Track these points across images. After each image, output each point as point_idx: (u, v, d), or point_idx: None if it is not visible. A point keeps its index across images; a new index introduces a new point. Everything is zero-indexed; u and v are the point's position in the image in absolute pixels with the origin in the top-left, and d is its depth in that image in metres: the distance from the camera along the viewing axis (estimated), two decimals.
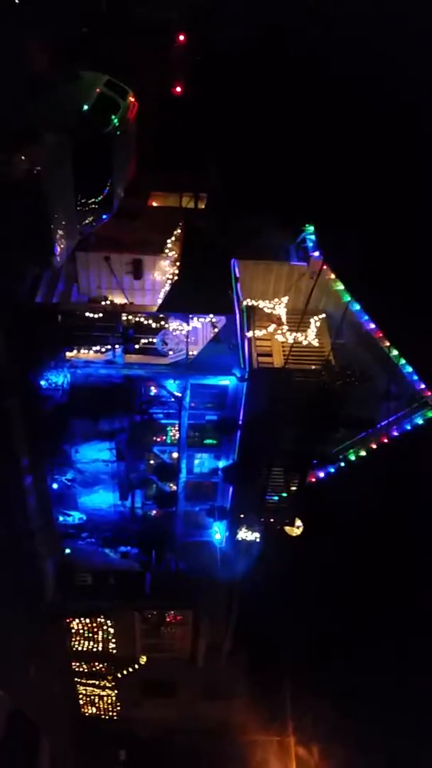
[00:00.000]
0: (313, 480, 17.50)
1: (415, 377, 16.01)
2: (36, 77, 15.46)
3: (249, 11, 20.58)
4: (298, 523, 17.28)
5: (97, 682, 23.69)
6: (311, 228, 16.83)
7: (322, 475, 17.39)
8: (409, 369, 15.97)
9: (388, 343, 15.93)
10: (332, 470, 17.35)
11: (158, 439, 18.48)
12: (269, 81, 20.34)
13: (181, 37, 20.91)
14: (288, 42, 20.54)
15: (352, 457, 17.01)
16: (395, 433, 16.32)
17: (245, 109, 20.17)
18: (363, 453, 16.86)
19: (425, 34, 20.03)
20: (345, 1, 19.80)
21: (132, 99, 15.92)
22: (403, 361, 15.92)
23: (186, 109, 20.13)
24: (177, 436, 17.73)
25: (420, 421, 16.29)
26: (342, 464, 17.01)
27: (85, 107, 14.64)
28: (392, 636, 23.57)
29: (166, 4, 20.97)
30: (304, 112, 20.02)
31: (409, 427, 16.32)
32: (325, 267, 15.97)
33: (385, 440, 16.50)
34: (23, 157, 13.28)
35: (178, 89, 20.57)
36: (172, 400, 16.99)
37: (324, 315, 16.88)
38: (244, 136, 19.66)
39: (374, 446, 16.73)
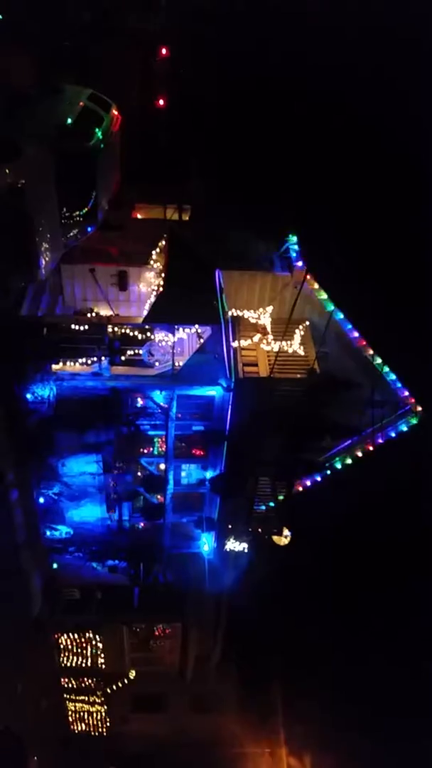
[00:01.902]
0: (300, 489, 17.59)
1: (399, 384, 16.20)
2: (19, 92, 15.55)
3: (233, 22, 20.82)
4: (286, 532, 17.30)
5: (86, 698, 23.46)
6: (294, 238, 17.02)
7: (308, 483, 17.47)
8: (393, 376, 16.15)
9: (372, 351, 16.11)
10: (318, 479, 17.45)
11: (145, 451, 18.44)
12: (252, 92, 20.55)
13: (164, 51, 21.09)
14: (272, 52, 20.78)
15: (338, 465, 17.12)
16: (380, 441, 16.46)
17: (228, 120, 20.35)
18: (349, 461, 16.98)
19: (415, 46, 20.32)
20: (336, 13, 20.03)
21: (115, 112, 16.02)
22: (387, 369, 16.10)
23: (169, 122, 20.29)
24: (164, 447, 17.71)
25: (404, 428, 16.46)
26: (328, 472, 17.11)
27: (69, 121, 14.71)
28: (384, 645, 23.58)
29: (148, 16, 21.13)
30: (287, 121, 20.23)
31: (393, 435, 16.48)
32: (308, 276, 16.14)
33: (371, 448, 16.63)
34: (7, 171, 13.32)
35: (161, 102, 20.72)
36: (159, 411, 16.99)
37: (308, 324, 17.04)
38: (227, 147, 19.81)
39: (359, 454, 16.86)
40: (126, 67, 20.16)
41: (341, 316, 16.29)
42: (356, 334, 16.21)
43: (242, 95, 20.35)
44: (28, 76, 17.07)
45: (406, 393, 16.14)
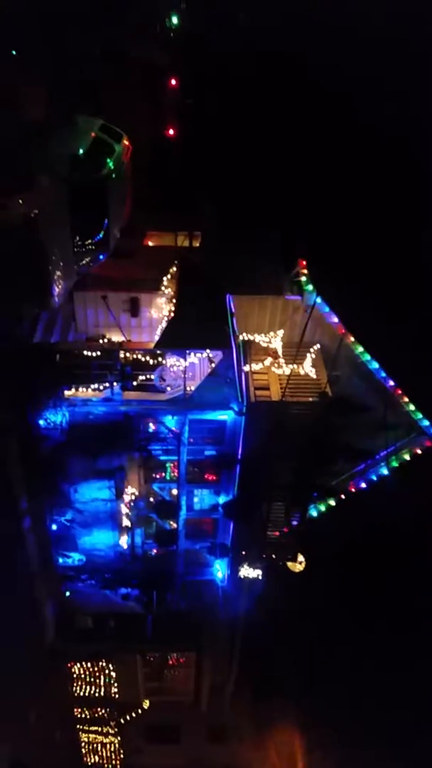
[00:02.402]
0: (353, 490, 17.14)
1: (411, 407, 16.08)
2: (32, 124, 15.92)
3: (238, 53, 21.32)
4: (300, 558, 17.08)
5: (99, 729, 23.05)
6: (304, 262, 17.12)
7: (363, 485, 17.00)
8: (406, 398, 16.04)
9: (383, 374, 16.05)
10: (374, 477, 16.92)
11: (157, 476, 18.39)
12: (260, 117, 20.94)
13: (173, 81, 21.57)
14: (277, 78, 21.18)
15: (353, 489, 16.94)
16: (395, 464, 16.30)
17: (236, 147, 20.68)
18: (363, 485, 16.80)
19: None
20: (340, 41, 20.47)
21: (126, 142, 16.38)
22: (399, 391, 16.01)
23: (179, 150, 20.65)
24: (176, 472, 17.65)
25: (419, 451, 16.30)
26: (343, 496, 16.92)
27: (81, 151, 15.02)
28: (401, 669, 23.15)
29: (157, 48, 21.69)
30: (295, 147, 20.53)
31: (407, 458, 16.32)
32: (319, 300, 16.19)
33: (385, 471, 16.46)
34: (20, 201, 13.56)
35: (171, 132, 21.14)
36: (171, 436, 16.97)
37: (319, 347, 17.04)
38: (235, 174, 20.10)
39: (374, 478, 16.69)
40: (136, 98, 20.61)
41: (352, 338, 16.27)
42: (368, 357, 16.17)
43: (249, 122, 20.72)
44: (41, 108, 17.47)
45: (420, 415, 16.01)
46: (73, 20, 19.87)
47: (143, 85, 21.03)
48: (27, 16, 18.97)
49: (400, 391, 16.01)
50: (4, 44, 19.00)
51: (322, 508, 17.56)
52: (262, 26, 21.39)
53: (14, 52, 18.67)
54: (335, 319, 16.47)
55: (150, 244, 19.58)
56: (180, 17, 21.79)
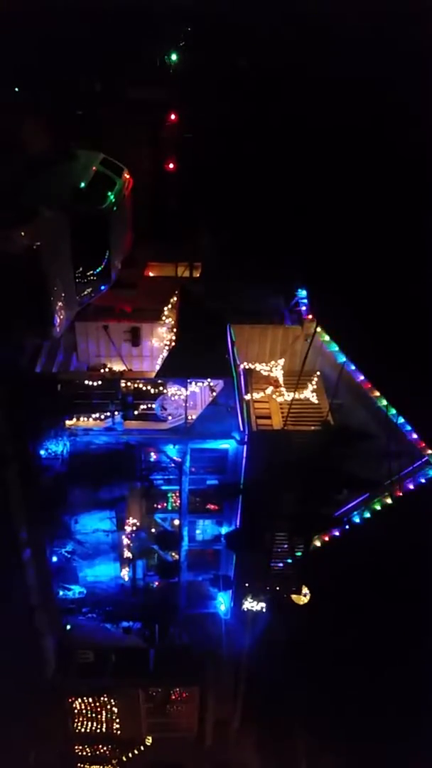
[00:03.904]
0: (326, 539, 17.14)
1: (414, 435, 16.00)
2: (36, 158, 16.20)
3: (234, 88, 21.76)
4: (305, 590, 16.83)
5: (101, 767, 22.50)
6: (304, 292, 17.23)
7: (336, 533, 16.99)
8: (409, 427, 15.98)
9: (385, 402, 16.01)
10: (337, 534, 17.08)
11: (159, 506, 18.24)
12: (257, 149, 21.27)
13: (173, 116, 22.00)
14: (273, 111, 21.57)
15: (357, 519, 16.79)
16: (399, 494, 16.16)
17: (235, 179, 20.95)
18: (368, 515, 16.64)
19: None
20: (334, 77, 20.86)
21: (127, 176, 16.62)
22: (401, 419, 15.95)
23: (179, 183, 20.96)
24: (178, 502, 17.52)
25: (423, 480, 16.17)
26: (347, 527, 16.76)
27: (83, 185, 15.25)
28: (414, 701, 22.63)
29: (156, 84, 22.19)
30: (293, 178, 20.78)
31: (412, 487, 16.19)
32: (319, 329, 16.26)
33: (389, 501, 16.32)
34: (23, 233, 13.72)
35: (171, 165, 21.49)
36: (172, 465, 16.88)
37: (319, 374, 17.07)
38: (234, 206, 20.33)
39: (378, 508, 16.54)
40: (137, 132, 21.00)
41: (353, 367, 16.29)
42: (369, 385, 16.16)
43: (248, 153, 21.03)
44: (44, 143, 17.80)
45: (423, 444, 15.92)
46: (74, 56, 20.35)
47: (143, 120, 21.44)
48: (28, 52, 19.46)
49: (402, 419, 15.96)
50: (6, 80, 19.47)
51: (326, 538, 17.39)
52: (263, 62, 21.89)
53: (17, 89, 19.10)
54: (335, 348, 16.51)
55: (151, 274, 19.75)
56: (179, 54, 22.33)
